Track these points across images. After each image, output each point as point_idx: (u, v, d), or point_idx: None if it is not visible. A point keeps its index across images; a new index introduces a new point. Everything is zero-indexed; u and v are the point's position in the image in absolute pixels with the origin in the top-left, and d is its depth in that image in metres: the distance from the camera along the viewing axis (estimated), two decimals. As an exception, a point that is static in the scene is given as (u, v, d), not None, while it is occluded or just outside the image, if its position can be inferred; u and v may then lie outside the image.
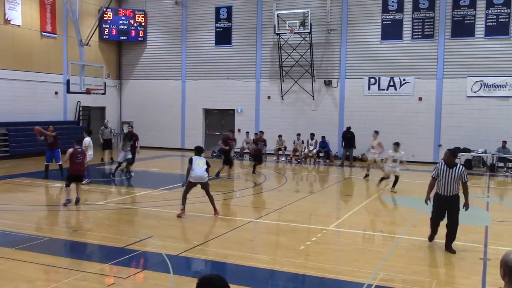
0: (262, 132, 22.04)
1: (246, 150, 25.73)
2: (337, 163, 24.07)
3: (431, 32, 24.30)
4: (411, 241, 10.14)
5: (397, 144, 16.17)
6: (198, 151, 12.24)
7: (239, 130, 27.91)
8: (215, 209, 11.80)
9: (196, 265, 8.49)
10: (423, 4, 24.39)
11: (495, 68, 23.15)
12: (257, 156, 20.39)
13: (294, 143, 25.38)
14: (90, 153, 16.20)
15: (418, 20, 24.53)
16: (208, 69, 28.91)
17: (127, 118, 31.13)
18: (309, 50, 26.20)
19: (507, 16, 23.01)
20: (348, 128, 23.88)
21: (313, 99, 26.53)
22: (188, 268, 8.38)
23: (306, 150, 25.13)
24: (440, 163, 9.47)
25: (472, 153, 22.93)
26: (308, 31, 25.53)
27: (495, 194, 17.36)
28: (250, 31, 27.83)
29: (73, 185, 13.08)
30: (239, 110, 28.25)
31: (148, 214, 12.15)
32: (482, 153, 22.81)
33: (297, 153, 25.10)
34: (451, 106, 23.97)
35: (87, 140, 16.40)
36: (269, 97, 27.51)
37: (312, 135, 25.30)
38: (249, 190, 16.47)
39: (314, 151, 25.09)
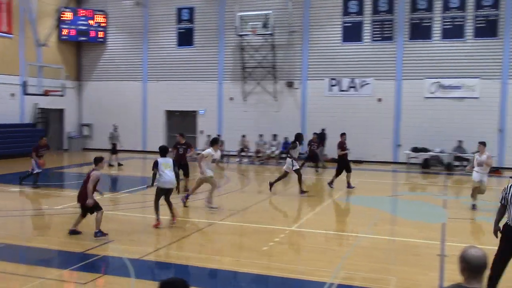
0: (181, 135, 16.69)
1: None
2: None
3: (390, 35, 24.81)
4: (371, 239, 10.32)
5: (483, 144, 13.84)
6: (163, 151, 11.30)
7: (201, 132, 27.82)
8: (173, 216, 11.13)
9: (158, 269, 8.41)
10: (383, 7, 24.89)
11: (451, 70, 23.82)
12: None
13: (256, 144, 25.48)
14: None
15: (377, 23, 25.01)
16: (170, 71, 28.69)
17: (87, 120, 30.56)
18: (271, 52, 26.35)
19: (462, 20, 23.72)
20: (323, 130, 23.97)
21: (276, 100, 26.68)
22: (149, 272, 8.29)
23: (269, 151, 25.26)
24: (509, 186, 6.84)
25: (430, 153, 23.54)
26: (270, 32, 25.67)
27: (452, 192, 17.85)
28: (212, 32, 27.77)
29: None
30: (202, 111, 28.13)
31: (109, 218, 11.94)
32: (439, 152, 23.44)
33: (259, 154, 25.20)
34: (409, 107, 24.52)
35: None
36: (231, 99, 27.50)
37: (275, 136, 25.48)
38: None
39: (277, 152, 25.25)
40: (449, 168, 22.84)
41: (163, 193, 10.97)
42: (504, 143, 23.21)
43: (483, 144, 13.67)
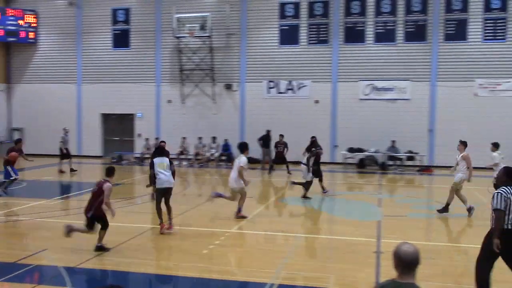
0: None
1: (147, 155, 25.21)
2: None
3: (326, 38, 25.38)
4: (311, 239, 10.50)
5: (495, 145, 14.39)
6: (160, 151, 11.23)
7: (139, 135, 27.32)
8: (170, 222, 10.78)
9: (95, 276, 8.17)
10: (318, 11, 25.42)
11: (384, 72, 24.67)
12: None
13: (195, 147, 25.33)
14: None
15: (313, 26, 25.51)
16: (106, 73, 27.98)
17: (17, 124, 29.26)
18: (209, 54, 26.29)
19: (394, 24, 24.62)
20: (268, 131, 23.95)
21: (214, 102, 26.64)
22: (86, 280, 8.04)
23: (208, 153, 25.18)
24: (506, 190, 6.44)
25: (365, 153, 24.27)
26: (208, 35, 25.61)
27: (386, 190, 18.47)
28: (149, 34, 27.35)
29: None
30: (139, 114, 27.62)
31: (41, 225, 11.49)
32: (374, 152, 24.20)
33: (199, 157, 25.06)
34: (345, 108, 25.17)
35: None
36: (169, 101, 27.18)
37: (214, 138, 25.44)
38: (149, 196, 16.09)
39: (216, 154, 25.21)
40: (383, 168, 23.62)
41: (162, 194, 10.78)
42: (433, 142, 24.27)
43: (461, 143, 13.10)
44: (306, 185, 15.12)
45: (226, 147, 25.39)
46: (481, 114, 23.52)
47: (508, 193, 6.40)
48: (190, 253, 9.19)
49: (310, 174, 15.14)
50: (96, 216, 9.10)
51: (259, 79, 26.11)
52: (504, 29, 23.47)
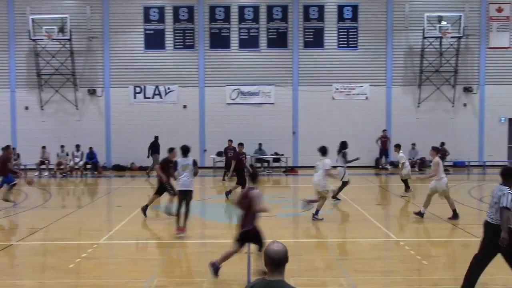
0: None
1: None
2: (106, 174, 23.52)
3: (192, 43, 25.47)
4: (183, 244, 10.45)
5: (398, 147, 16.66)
6: (185, 151, 10.88)
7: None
8: (183, 225, 10.73)
9: None
10: (183, 16, 25.44)
11: (249, 77, 25.42)
12: None
13: (58, 156, 23.89)
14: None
15: (179, 31, 25.47)
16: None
17: None
18: (70, 58, 24.98)
19: (257, 31, 25.49)
20: (156, 137, 23.20)
21: (77, 108, 25.38)
22: None
23: (72, 162, 23.89)
24: None
25: (234, 156, 24.74)
26: (68, 37, 24.35)
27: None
28: (1, 35, 25.26)
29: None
30: (-9, 122, 25.36)
31: None
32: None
33: (61, 167, 23.66)
34: (213, 113, 25.47)
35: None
36: (26, 108, 25.33)
37: (78, 146, 24.18)
38: (6, 210, 14.85)
39: (81, 163, 24.01)
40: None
41: (182, 197, 10.77)
42: (297, 144, 25.54)
43: (433, 149, 13.11)
44: (342, 185, 15.25)
45: (91, 155, 24.28)
46: (338, 116, 25.26)
47: None
48: (55, 269, 8.65)
49: (347, 175, 15.25)
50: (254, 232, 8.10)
51: (125, 84, 25.41)
52: (356, 38, 25.47)
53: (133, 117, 25.28)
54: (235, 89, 25.46)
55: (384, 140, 24.97)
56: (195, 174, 10.98)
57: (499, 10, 25.41)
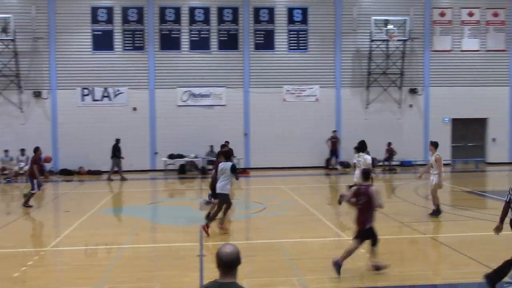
0: None
1: None
2: (53, 179, 22.85)
3: (141, 44, 25.09)
4: (134, 249, 10.29)
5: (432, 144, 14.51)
6: (227, 156, 11.54)
7: None
8: (207, 225, 11.05)
9: None
10: (132, 17, 25.03)
11: (200, 79, 25.29)
12: None
13: (1, 160, 23.01)
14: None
15: (128, 32, 25.04)
16: None
17: None
18: (14, 59, 24.10)
19: (208, 32, 25.40)
20: (118, 140, 22.57)
21: (22, 111, 24.51)
22: None
23: (17, 167, 23.04)
24: None
25: (185, 158, 24.59)
26: (12, 38, 23.50)
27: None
28: None
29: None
30: None
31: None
32: (194, 158, 24.65)
33: (5, 172, 22.79)
34: (164, 115, 25.18)
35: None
36: (-33, 111, 24.28)
37: (23, 150, 23.32)
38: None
39: (26, 167, 23.15)
40: (203, 172, 24.17)
41: (219, 199, 11.39)
42: (249, 146, 25.61)
43: (432, 144, 13.17)
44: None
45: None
46: (289, 117, 25.51)
47: None
48: (-1, 279, 8.33)
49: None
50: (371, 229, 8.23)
51: (72, 86, 24.74)
52: (306, 40, 25.81)
53: (81, 120, 24.66)
54: (186, 91, 25.28)
55: (334, 141, 25.44)
56: (231, 179, 11.43)
57: (442, 14, 26.39)
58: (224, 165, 11.34)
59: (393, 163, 24.96)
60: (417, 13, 26.05)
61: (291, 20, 25.75)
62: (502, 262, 7.11)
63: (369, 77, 25.90)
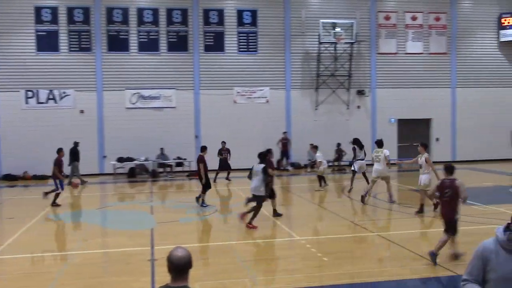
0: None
1: None
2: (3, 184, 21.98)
3: (88, 46, 24.50)
4: (82, 255, 10.02)
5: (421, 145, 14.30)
6: (261, 157, 12.03)
7: None
8: (243, 216, 11.93)
9: None
10: (78, 17, 24.40)
11: (149, 81, 24.94)
12: None
13: None
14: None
15: (74, 33, 24.39)
16: None
17: None
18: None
19: (157, 34, 25.10)
20: (76, 144, 21.71)
21: (-39, 115, 23.44)
22: None
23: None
24: None
25: (135, 161, 24.17)
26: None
27: (158, 197, 18.70)
28: None
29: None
30: None
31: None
32: (144, 161, 24.27)
33: None
34: (112, 118, 24.66)
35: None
36: None
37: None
38: None
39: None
40: (154, 175, 23.87)
41: (252, 199, 11.97)
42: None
43: (422, 145, 13.29)
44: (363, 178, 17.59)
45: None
46: (239, 119, 25.56)
47: None
48: None
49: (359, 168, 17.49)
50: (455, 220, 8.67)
51: (15, 89, 23.86)
52: (256, 42, 25.94)
53: (26, 123, 23.81)
54: (135, 93, 24.87)
55: (284, 142, 25.68)
56: (264, 181, 11.84)
57: (387, 18, 27.14)
58: (257, 167, 11.94)
59: (342, 163, 25.43)
60: (364, 16, 26.68)
61: (240, 22, 25.81)
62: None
63: (318, 79, 26.30)
